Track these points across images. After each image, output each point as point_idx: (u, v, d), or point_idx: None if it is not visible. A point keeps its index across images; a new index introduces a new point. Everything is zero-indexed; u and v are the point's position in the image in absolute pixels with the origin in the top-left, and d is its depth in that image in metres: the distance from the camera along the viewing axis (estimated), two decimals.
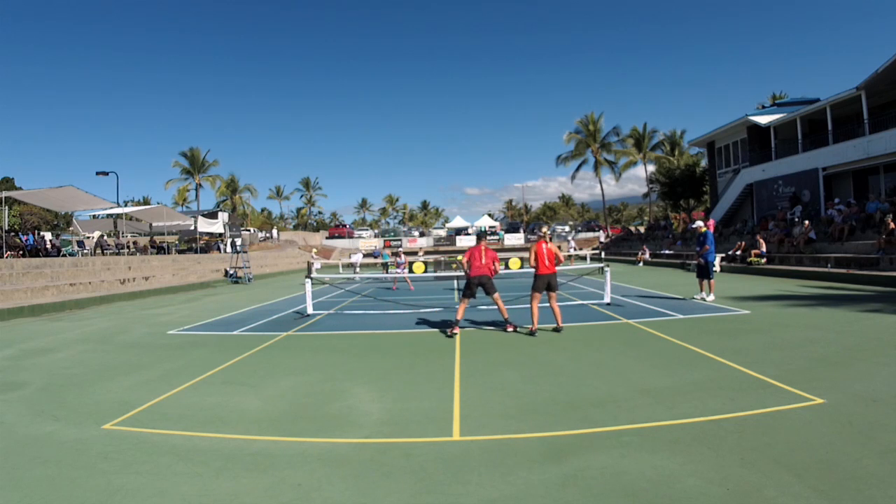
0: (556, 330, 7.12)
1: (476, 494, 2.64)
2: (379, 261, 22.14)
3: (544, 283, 7.16)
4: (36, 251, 19.20)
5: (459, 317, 7.46)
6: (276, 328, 8.46)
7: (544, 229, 7.73)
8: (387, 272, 19.05)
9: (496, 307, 7.64)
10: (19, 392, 4.95)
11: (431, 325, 8.26)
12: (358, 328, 8.21)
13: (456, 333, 7.19)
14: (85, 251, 23.07)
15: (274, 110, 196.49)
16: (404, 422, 3.77)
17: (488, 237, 47.81)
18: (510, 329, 7.36)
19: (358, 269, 24.14)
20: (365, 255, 29.45)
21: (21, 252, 18.13)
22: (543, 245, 7.22)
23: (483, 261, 7.54)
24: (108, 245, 24.38)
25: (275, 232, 50.27)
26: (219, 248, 31.83)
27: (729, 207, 26.94)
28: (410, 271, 18.04)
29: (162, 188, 71.49)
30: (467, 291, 7.53)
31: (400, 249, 19.92)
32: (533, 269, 7.33)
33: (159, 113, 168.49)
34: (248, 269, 22.20)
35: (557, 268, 7.34)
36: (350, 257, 31.62)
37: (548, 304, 7.40)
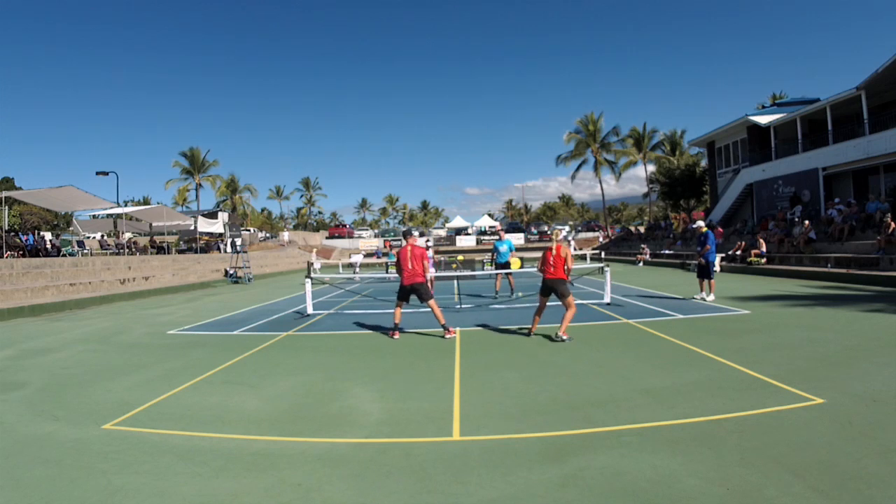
0: (553, 337, 6.54)
1: (476, 494, 2.64)
2: (384, 261, 21.97)
3: (547, 288, 6.79)
4: (36, 251, 19.19)
5: (397, 321, 7.29)
6: (276, 328, 8.46)
7: (556, 234, 7.03)
8: (387, 272, 19.01)
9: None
10: (19, 392, 4.95)
11: (431, 325, 8.25)
12: (358, 328, 8.20)
13: (396, 338, 7.10)
14: (85, 251, 23.07)
15: (274, 110, 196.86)
16: (404, 422, 3.77)
17: (486, 236, 48.10)
18: (449, 335, 6.99)
19: (358, 270, 24.12)
20: (366, 256, 29.41)
21: (21, 252, 18.12)
22: (551, 253, 6.78)
23: (411, 265, 7.14)
24: (135, 244, 24.38)
25: (285, 235, 49.92)
26: (219, 248, 31.81)
27: (729, 207, 26.95)
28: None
29: (162, 188, 71.58)
30: (401, 297, 7.30)
31: (429, 242, 18.23)
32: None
33: (159, 113, 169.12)
34: (248, 269, 22.19)
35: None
36: (350, 257, 31.62)
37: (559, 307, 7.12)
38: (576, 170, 47.45)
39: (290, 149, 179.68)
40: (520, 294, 11.55)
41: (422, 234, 52.07)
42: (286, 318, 9.77)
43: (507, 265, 12.09)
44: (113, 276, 16.67)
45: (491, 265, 12.51)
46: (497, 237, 12.99)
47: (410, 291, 7.23)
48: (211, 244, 33.06)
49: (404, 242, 7.52)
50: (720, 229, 22.57)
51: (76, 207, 23.62)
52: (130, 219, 28.89)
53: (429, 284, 14.25)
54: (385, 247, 45.82)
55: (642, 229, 41.67)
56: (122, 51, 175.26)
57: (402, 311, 7.46)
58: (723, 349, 5.66)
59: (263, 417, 3.97)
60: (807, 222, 17.57)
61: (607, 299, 9.97)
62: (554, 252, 6.67)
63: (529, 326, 7.04)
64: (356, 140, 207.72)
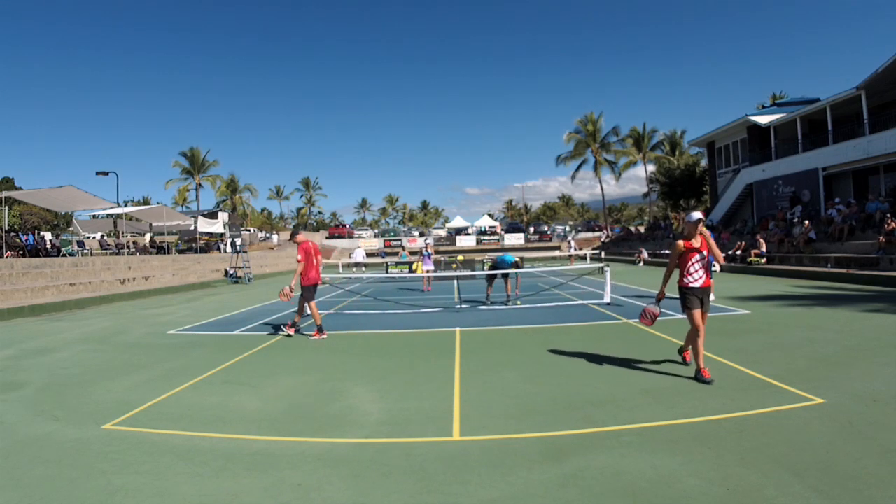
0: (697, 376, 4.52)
1: (476, 494, 2.64)
2: (396, 259, 21.97)
3: (699, 297, 4.60)
4: (36, 251, 19.19)
5: (319, 321, 7.43)
6: (276, 328, 8.45)
7: (696, 214, 4.55)
8: (387, 272, 19.03)
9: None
10: (19, 392, 4.95)
11: (431, 325, 8.26)
12: (358, 328, 8.20)
13: (325, 337, 7.25)
14: (85, 251, 23.06)
15: (274, 110, 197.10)
16: (404, 422, 3.77)
17: (486, 236, 47.91)
18: (289, 330, 7.35)
19: (364, 269, 24.06)
20: (368, 255, 29.34)
21: (21, 252, 18.11)
22: (692, 247, 4.61)
23: (315, 262, 7.34)
24: (148, 245, 24.32)
25: (274, 238, 49.78)
26: (219, 248, 31.83)
27: (729, 207, 26.94)
28: (411, 271, 17.98)
29: (162, 188, 71.60)
30: (314, 296, 7.41)
31: (429, 241, 19.35)
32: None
33: (159, 113, 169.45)
34: (248, 269, 22.19)
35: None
36: (351, 256, 31.54)
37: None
38: (576, 170, 47.54)
39: (290, 149, 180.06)
40: (518, 303, 10.64)
41: (422, 234, 52.15)
42: (286, 318, 9.74)
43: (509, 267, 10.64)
44: (113, 276, 16.67)
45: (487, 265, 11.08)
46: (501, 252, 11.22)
47: (315, 290, 7.42)
48: (211, 244, 33.07)
49: (296, 239, 7.56)
50: (726, 236, 22.67)
51: (76, 207, 23.62)
52: (130, 219, 28.90)
53: (428, 281, 14.35)
54: (385, 246, 45.88)
55: (642, 229, 41.68)
56: (122, 51, 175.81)
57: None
58: (723, 349, 5.66)
59: (263, 417, 3.97)
60: (807, 222, 17.56)
61: (607, 299, 9.97)
62: (698, 244, 4.63)
63: (691, 359, 4.95)
64: (356, 140, 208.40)
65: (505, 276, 10.73)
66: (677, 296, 4.77)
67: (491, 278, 10.86)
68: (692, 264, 4.60)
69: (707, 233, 4.61)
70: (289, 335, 7.46)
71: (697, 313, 4.54)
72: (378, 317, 9.38)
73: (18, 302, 11.90)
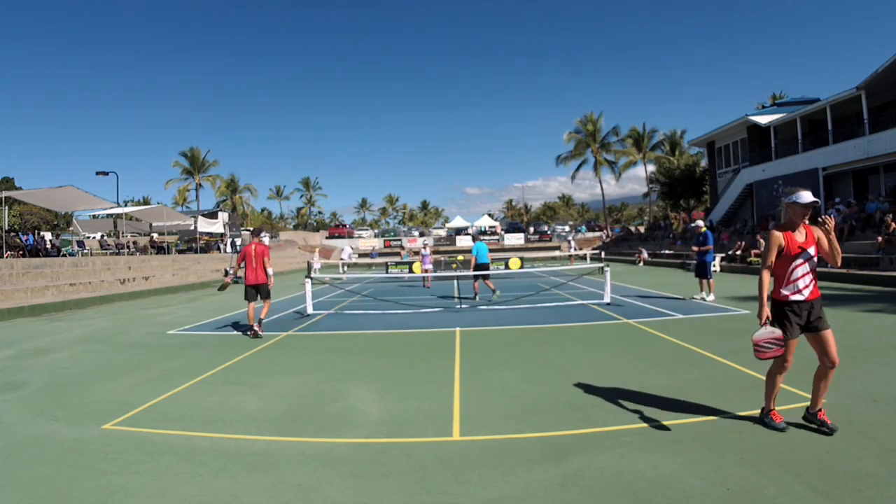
0: (814, 419, 3.34)
1: (476, 494, 2.64)
2: (381, 261, 22.08)
3: (803, 317, 3.27)
4: (36, 251, 19.18)
5: (251, 320, 7.78)
6: (276, 328, 8.45)
7: (808, 195, 3.30)
8: (387, 272, 19.05)
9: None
10: (19, 392, 4.95)
11: (431, 325, 8.26)
12: (358, 328, 8.20)
13: (259, 335, 7.51)
14: (85, 251, 23.06)
15: (274, 110, 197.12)
16: (404, 422, 3.77)
17: (486, 236, 47.98)
18: (254, 332, 7.52)
19: (346, 269, 24.04)
20: (360, 256, 29.37)
21: (21, 252, 18.11)
22: (795, 240, 3.27)
23: (254, 263, 7.73)
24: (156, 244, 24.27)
25: (266, 239, 49.63)
26: (219, 248, 31.81)
27: (729, 207, 26.96)
28: (410, 271, 18.03)
29: (162, 188, 71.63)
30: (247, 297, 7.86)
31: (427, 241, 20.38)
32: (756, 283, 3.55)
33: (159, 113, 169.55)
34: None
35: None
36: (341, 255, 31.44)
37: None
38: (576, 170, 47.53)
39: (290, 149, 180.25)
40: (499, 294, 11.61)
41: (422, 234, 52.17)
42: (286, 318, 9.76)
43: (485, 266, 12.05)
44: (113, 276, 16.66)
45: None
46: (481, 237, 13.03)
47: (255, 290, 7.81)
48: (211, 244, 33.05)
49: (250, 240, 8.11)
50: (726, 236, 22.69)
51: (76, 207, 23.60)
52: (130, 219, 28.87)
53: (427, 280, 14.39)
54: (385, 246, 45.97)
55: (642, 229, 41.69)
56: (122, 51, 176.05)
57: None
58: (723, 349, 5.66)
59: (263, 417, 3.97)
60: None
61: (607, 299, 9.96)
62: (804, 237, 3.29)
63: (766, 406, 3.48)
64: (356, 140, 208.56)
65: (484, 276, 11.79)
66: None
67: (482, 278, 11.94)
68: (795, 268, 3.21)
69: (830, 222, 3.25)
70: (257, 335, 7.57)
71: (792, 343, 3.22)
72: (378, 317, 9.38)
73: (18, 302, 11.90)
